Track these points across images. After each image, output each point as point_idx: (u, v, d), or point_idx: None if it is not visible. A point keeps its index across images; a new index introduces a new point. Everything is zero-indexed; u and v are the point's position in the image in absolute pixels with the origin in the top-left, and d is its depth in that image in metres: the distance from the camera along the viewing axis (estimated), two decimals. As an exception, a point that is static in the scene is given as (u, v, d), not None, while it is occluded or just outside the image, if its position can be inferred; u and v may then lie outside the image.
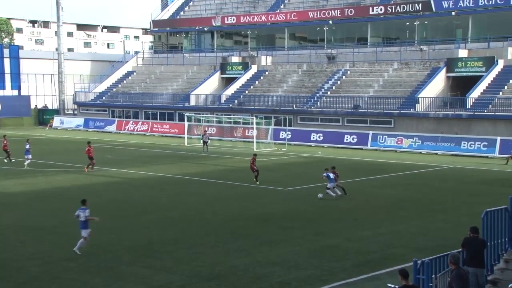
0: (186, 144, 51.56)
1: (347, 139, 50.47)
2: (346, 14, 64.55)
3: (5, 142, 40.02)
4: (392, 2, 62.10)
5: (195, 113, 58.39)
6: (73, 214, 19.21)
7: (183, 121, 56.43)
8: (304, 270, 17.37)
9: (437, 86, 53.69)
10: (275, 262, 18.02)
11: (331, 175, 28.07)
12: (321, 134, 52.00)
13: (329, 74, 61.24)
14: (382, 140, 48.95)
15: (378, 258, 18.60)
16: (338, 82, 59.60)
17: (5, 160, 39.10)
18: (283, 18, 69.01)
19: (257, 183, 31.67)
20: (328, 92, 58.41)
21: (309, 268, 17.57)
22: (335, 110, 54.94)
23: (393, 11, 61.41)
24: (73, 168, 37.00)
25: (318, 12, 66.46)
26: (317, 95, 58.40)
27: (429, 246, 19.76)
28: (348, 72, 60.56)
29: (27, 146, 37.81)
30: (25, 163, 37.22)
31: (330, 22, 65.66)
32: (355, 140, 50.04)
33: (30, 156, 37.51)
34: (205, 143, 46.94)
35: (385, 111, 52.48)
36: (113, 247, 19.70)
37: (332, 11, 65.45)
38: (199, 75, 70.38)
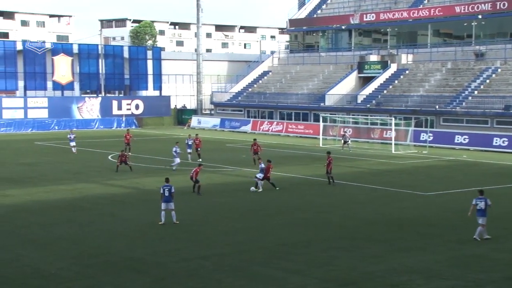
0: (320, 145, 50.83)
1: (496, 142, 47.56)
2: (498, 8, 61.00)
3: (197, 141, 41.30)
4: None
5: (330, 114, 57.50)
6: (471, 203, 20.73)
7: (318, 121, 55.81)
8: (446, 280, 16.40)
9: None
10: (414, 270, 17.16)
11: (263, 165, 29.37)
12: (466, 136, 49.35)
13: (477, 72, 58.12)
14: (538, 144, 45.59)
15: (532, 272, 17.05)
16: (487, 81, 56.39)
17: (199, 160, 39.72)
18: (426, 13, 66.50)
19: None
20: (475, 92, 55.40)
21: (452, 278, 16.56)
22: (483, 110, 52.05)
23: (556, 1, 57.03)
24: (209, 168, 37.39)
25: (466, 6, 63.35)
26: (463, 94, 55.55)
27: None
28: (499, 70, 57.17)
29: (190, 142, 40.77)
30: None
31: (480, 16, 62.38)
32: (506, 143, 46.99)
33: (189, 150, 40.34)
34: (345, 142, 47.94)
35: (542, 112, 48.82)
36: (246, 247, 19.60)
37: (482, 4, 62.10)
38: (335, 74, 69.46)
